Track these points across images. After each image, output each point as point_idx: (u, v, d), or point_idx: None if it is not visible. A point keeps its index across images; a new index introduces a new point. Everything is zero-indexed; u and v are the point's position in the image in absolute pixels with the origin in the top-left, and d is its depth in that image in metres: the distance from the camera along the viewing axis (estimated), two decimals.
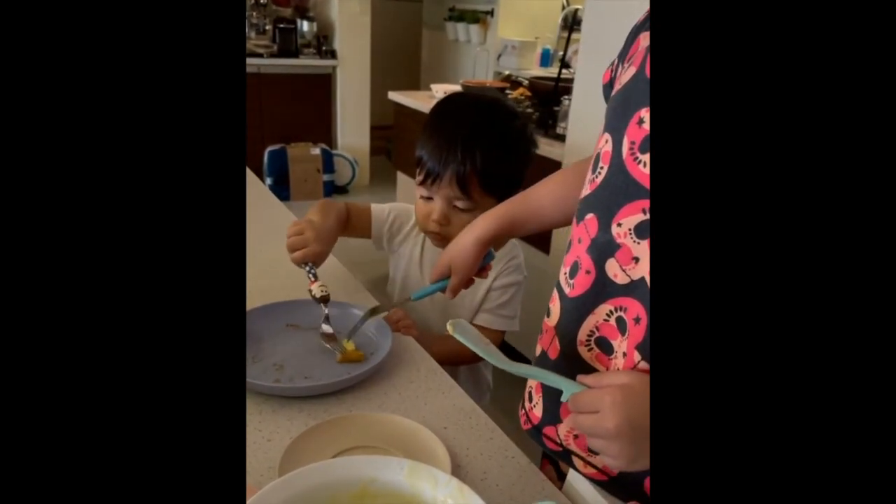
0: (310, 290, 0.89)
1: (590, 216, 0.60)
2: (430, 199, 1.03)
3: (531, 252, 2.02)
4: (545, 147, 1.93)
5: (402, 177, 3.07)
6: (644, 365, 0.54)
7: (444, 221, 1.02)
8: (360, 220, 1.13)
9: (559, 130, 2.04)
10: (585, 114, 1.81)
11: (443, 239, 1.05)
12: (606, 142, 0.59)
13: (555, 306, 0.65)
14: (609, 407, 0.50)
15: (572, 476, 0.65)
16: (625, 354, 0.56)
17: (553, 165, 1.88)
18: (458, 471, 0.64)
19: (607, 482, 0.60)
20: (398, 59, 4.98)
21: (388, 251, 1.19)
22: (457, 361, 1.10)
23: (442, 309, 1.13)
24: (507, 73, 3.37)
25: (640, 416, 0.48)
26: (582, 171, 0.67)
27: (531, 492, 0.62)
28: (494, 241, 0.82)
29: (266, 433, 0.67)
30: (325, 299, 0.88)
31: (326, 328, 0.86)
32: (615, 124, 0.58)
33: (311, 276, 0.91)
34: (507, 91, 2.68)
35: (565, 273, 0.63)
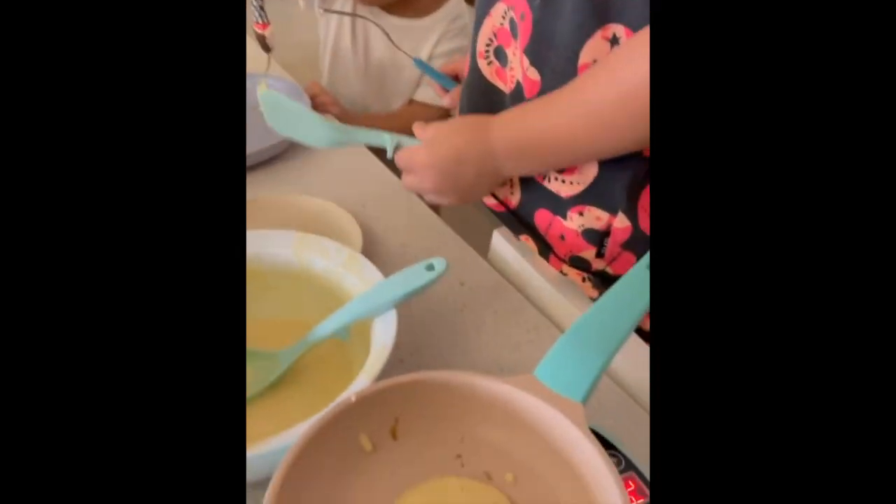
0: (258, 34, 0.74)
1: None
2: None
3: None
4: None
5: None
6: (533, 74, 0.48)
7: None
8: None
9: None
10: None
11: None
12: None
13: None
14: (422, 166, 0.51)
15: (495, 240, 0.61)
16: (519, 61, 0.50)
17: None
18: (372, 246, 0.60)
19: (505, 213, 0.58)
20: None
21: (317, 12, 1.03)
22: None
23: (379, 87, 1.02)
24: None
25: (447, 171, 0.50)
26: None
27: (452, 256, 0.58)
28: None
29: None
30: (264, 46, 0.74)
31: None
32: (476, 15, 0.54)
33: (259, 15, 0.75)
34: None
35: None
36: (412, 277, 0.40)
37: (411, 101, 1.03)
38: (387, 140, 0.52)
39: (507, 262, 0.59)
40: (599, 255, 0.52)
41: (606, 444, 0.40)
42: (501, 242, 0.59)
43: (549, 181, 0.52)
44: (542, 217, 0.54)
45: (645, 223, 0.50)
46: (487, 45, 0.54)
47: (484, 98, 0.55)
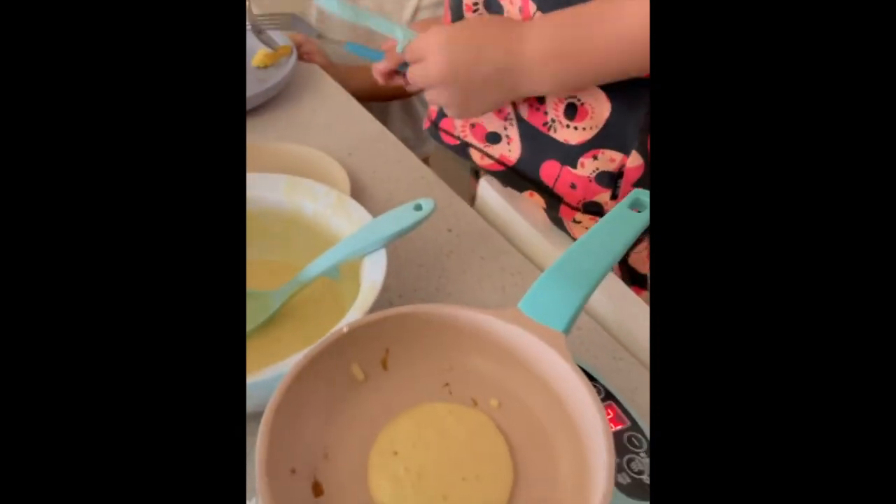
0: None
1: None
2: None
3: None
4: None
5: None
6: (539, 14, 0.48)
7: None
8: None
9: None
10: None
11: None
12: None
13: None
14: (434, 52, 0.48)
15: (482, 189, 0.61)
16: (520, 9, 0.49)
17: None
18: (360, 194, 0.60)
19: (504, 172, 0.57)
20: None
21: None
22: (384, 97, 1.02)
23: (364, 31, 1.00)
24: None
25: (461, 61, 0.48)
26: None
27: (440, 203, 0.59)
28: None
29: None
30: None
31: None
32: None
33: None
34: None
35: None
36: (401, 217, 0.41)
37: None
38: (398, 31, 0.50)
39: (493, 209, 0.60)
40: (614, 196, 0.53)
41: (588, 376, 0.42)
42: (488, 190, 0.60)
43: (556, 131, 0.52)
44: (549, 169, 0.54)
45: None
46: (475, 3, 0.53)
47: None
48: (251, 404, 0.36)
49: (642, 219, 0.41)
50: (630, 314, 0.48)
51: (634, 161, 0.50)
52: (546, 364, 0.34)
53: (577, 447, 0.31)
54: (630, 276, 0.62)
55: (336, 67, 0.88)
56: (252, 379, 0.34)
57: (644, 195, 0.42)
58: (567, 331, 0.35)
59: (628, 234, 0.40)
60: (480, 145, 0.59)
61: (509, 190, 0.59)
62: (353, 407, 0.35)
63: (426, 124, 0.64)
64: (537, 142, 0.54)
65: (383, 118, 1.08)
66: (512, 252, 0.56)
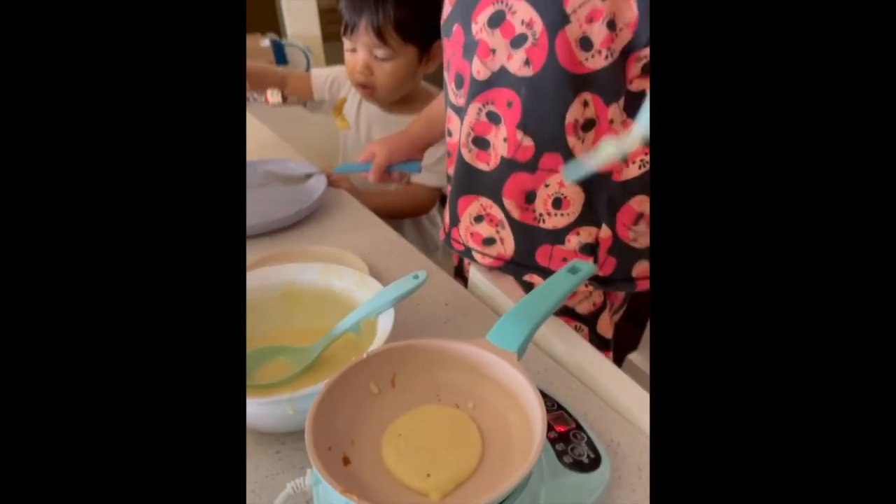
0: (266, 101, 0.99)
1: (455, 27, 0.68)
2: (354, 50, 1.10)
3: None
4: None
5: None
6: (528, 142, 0.65)
7: (366, 71, 1.10)
8: (301, 81, 1.22)
9: None
10: None
11: (371, 90, 1.14)
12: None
13: (453, 125, 0.75)
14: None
15: (472, 275, 0.78)
16: (505, 140, 0.67)
17: None
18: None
19: (504, 265, 0.73)
20: None
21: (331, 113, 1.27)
22: (398, 215, 1.22)
23: None
24: None
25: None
26: None
27: (440, 284, 0.76)
28: (425, 144, 0.94)
29: None
30: (285, 98, 0.99)
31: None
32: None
33: (257, 99, 1.01)
34: None
35: (452, 89, 0.73)
36: (403, 284, 0.58)
37: (408, 182, 1.24)
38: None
39: (480, 288, 0.76)
40: (595, 260, 0.69)
41: (545, 396, 0.56)
42: (476, 274, 0.77)
43: (545, 221, 0.68)
44: (543, 252, 0.70)
45: (622, 232, 0.68)
46: (467, 137, 0.71)
47: (468, 175, 0.72)
48: (302, 413, 0.50)
49: (576, 279, 0.56)
50: (584, 357, 0.63)
51: (605, 232, 0.68)
52: (504, 374, 0.49)
53: (524, 419, 0.45)
54: (598, 341, 0.77)
55: (358, 191, 1.09)
56: (299, 393, 0.49)
57: (580, 264, 0.59)
58: (519, 351, 0.50)
59: (565, 288, 0.55)
60: (480, 248, 0.75)
61: (495, 272, 0.75)
62: (370, 411, 0.49)
63: (441, 235, 0.82)
64: (531, 234, 0.69)
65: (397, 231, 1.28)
66: (494, 318, 0.71)
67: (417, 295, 0.65)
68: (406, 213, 1.25)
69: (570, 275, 0.57)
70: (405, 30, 1.06)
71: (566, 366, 0.63)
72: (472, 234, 0.75)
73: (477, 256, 0.75)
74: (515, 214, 0.70)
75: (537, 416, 0.43)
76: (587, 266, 0.57)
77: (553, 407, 0.55)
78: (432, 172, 1.20)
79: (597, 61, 0.60)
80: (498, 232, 0.72)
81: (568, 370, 0.62)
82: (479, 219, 0.72)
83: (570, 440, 0.51)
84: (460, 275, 0.89)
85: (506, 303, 0.72)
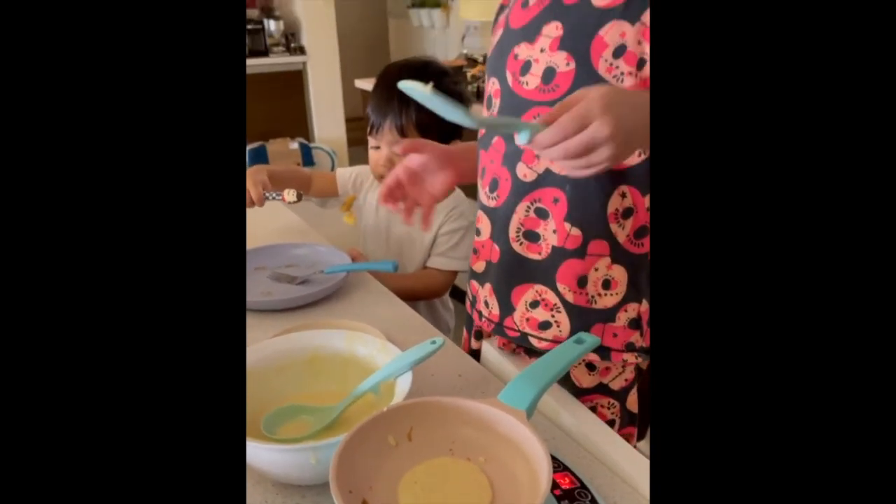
0: (283, 199, 1.08)
1: (496, 139, 0.77)
2: (378, 147, 1.21)
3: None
4: None
5: None
6: (576, 231, 0.71)
7: (389, 165, 1.20)
8: (325, 180, 1.33)
9: None
10: None
11: None
12: (493, 83, 0.77)
13: (483, 224, 0.81)
14: (600, 113, 0.53)
15: (485, 349, 0.83)
16: (554, 231, 0.73)
17: None
18: None
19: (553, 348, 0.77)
20: (366, 50, 5.12)
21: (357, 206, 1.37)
22: (414, 297, 1.28)
23: (397, 252, 1.31)
24: (464, 52, 3.52)
25: (623, 114, 0.54)
26: None
27: (454, 357, 0.80)
28: (458, 161, 0.90)
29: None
30: (300, 196, 1.08)
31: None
32: (495, 65, 0.76)
33: (276, 197, 1.10)
34: (466, 69, 2.85)
35: (486, 192, 0.80)
36: (421, 349, 0.63)
37: (425, 267, 1.31)
38: (521, 125, 0.57)
39: (492, 362, 0.81)
40: (641, 334, 0.74)
41: (554, 459, 0.59)
42: (488, 347, 0.82)
43: (597, 302, 0.73)
44: (596, 330, 0.74)
45: None
46: (517, 232, 0.76)
47: (520, 265, 0.76)
48: (324, 463, 0.54)
49: (581, 349, 0.61)
50: (591, 429, 0.66)
51: (645, 306, 0.73)
52: (514, 431, 0.53)
53: (531, 473, 0.49)
54: (627, 416, 0.80)
55: (377, 273, 1.16)
56: (323, 442, 0.53)
57: (585, 336, 0.64)
58: (528, 410, 0.54)
59: (571, 357, 0.60)
60: (536, 333, 0.78)
61: (507, 351, 0.80)
62: (388, 460, 0.53)
63: (487, 327, 0.84)
64: (585, 315, 0.73)
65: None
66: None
67: (433, 366, 0.70)
68: (420, 296, 1.31)
69: (575, 345, 0.62)
70: (425, 128, 1.17)
71: (573, 436, 0.66)
72: (527, 320, 0.78)
73: (533, 341, 0.78)
74: (570, 298, 0.74)
75: (543, 468, 0.47)
76: (591, 338, 0.63)
77: (559, 467, 0.58)
78: (447, 258, 1.28)
79: (632, 158, 0.68)
80: (553, 315, 0.76)
81: (574, 439, 0.66)
82: (534, 304, 0.77)
83: (574, 498, 0.54)
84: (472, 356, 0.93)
85: (515, 374, 0.76)
